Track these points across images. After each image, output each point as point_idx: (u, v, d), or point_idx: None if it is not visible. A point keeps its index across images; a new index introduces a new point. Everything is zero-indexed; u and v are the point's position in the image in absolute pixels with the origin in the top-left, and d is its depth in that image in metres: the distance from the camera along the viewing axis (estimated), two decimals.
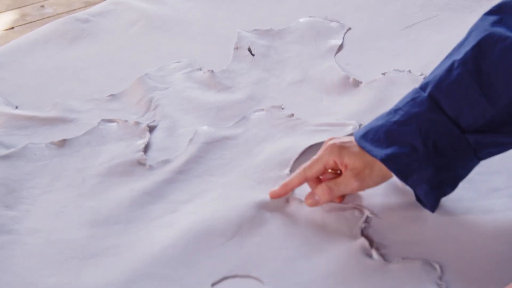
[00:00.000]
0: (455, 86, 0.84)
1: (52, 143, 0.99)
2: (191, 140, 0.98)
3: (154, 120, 1.04)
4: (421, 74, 1.06)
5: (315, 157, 0.86)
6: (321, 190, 0.85)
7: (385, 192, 0.90)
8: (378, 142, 0.85)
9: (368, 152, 0.84)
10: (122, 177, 0.93)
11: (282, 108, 1.05)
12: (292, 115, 1.03)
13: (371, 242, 0.80)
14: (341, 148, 0.85)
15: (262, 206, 0.86)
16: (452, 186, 0.84)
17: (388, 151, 0.83)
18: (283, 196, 0.89)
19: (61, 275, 0.78)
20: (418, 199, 0.84)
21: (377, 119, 0.88)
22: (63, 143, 0.99)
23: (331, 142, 0.86)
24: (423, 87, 0.85)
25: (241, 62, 1.21)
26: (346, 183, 0.86)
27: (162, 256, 0.79)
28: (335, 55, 1.20)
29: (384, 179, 0.85)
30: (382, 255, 0.78)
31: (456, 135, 0.83)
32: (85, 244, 0.82)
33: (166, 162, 0.94)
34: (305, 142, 0.96)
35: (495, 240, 0.81)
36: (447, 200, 0.85)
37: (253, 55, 1.23)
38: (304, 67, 1.17)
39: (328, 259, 0.79)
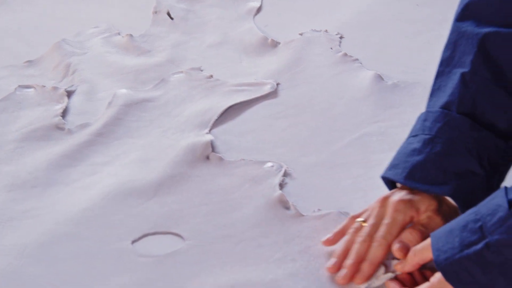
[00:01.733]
0: (480, 96, 0.79)
1: None
2: (110, 103, 0.99)
3: (72, 85, 1.05)
4: (337, 34, 1.08)
5: (386, 221, 0.75)
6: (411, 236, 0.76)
7: (303, 150, 0.92)
8: (431, 178, 0.77)
9: (427, 191, 0.76)
10: (40, 142, 0.92)
11: (201, 70, 1.07)
12: (211, 76, 1.04)
13: (288, 196, 0.82)
14: (409, 201, 0.76)
15: (182, 165, 0.87)
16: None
17: (450, 186, 0.76)
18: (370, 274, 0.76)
19: None
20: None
21: (412, 153, 0.79)
22: None
23: (393, 200, 0.76)
24: (446, 107, 0.79)
25: (160, 26, 1.22)
26: (434, 223, 0.77)
27: (82, 217, 0.79)
28: (254, 17, 1.22)
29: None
30: (298, 208, 0.80)
31: (502, 145, 0.79)
32: (3, 208, 0.82)
33: (85, 125, 0.95)
34: (224, 103, 0.97)
35: None
36: (364, 153, 0.87)
37: (172, 18, 1.24)
38: (223, 29, 1.19)
39: (247, 213, 0.81)
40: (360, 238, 0.74)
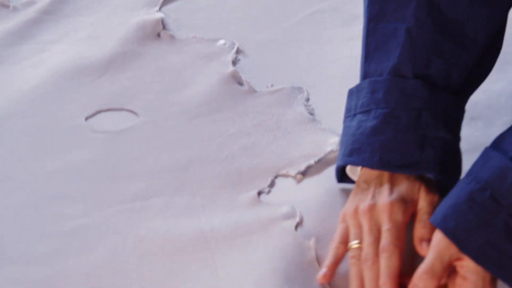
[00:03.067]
0: (431, 53, 0.71)
1: None
2: None
3: None
4: None
5: (386, 227, 0.63)
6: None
7: (256, 27, 0.90)
8: (408, 157, 0.68)
9: (410, 173, 0.67)
10: None
11: None
12: None
13: (242, 72, 0.81)
14: (399, 198, 0.66)
15: (132, 43, 0.85)
16: None
17: (430, 161, 0.68)
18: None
19: None
20: None
21: (373, 133, 0.69)
22: None
23: (381, 206, 0.65)
24: (395, 72, 0.70)
25: None
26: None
27: (32, 94, 0.78)
28: None
29: None
30: (252, 84, 0.80)
31: (459, 103, 0.72)
32: None
33: (31, 3, 0.91)
34: None
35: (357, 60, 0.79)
36: (316, 30, 0.86)
37: None
38: None
39: (200, 90, 0.81)
40: (367, 262, 0.62)
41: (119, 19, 0.90)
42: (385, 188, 0.66)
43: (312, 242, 0.67)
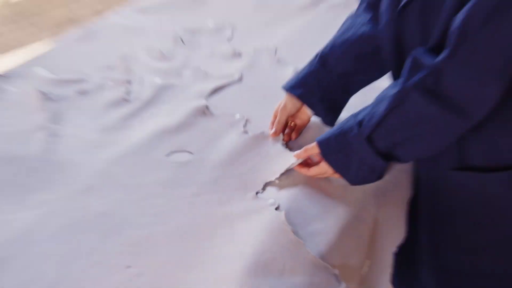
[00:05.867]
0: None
1: None
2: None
3: (130, 76, 1.36)
4: None
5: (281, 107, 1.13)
6: None
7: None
8: (293, 86, 1.14)
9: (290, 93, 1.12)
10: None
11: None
12: (206, 72, 1.40)
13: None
14: (288, 101, 1.14)
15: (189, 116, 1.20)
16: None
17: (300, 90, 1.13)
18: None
19: None
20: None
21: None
22: None
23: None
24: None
25: (178, 47, 1.57)
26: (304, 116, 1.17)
27: (143, 139, 1.14)
28: (228, 41, 1.58)
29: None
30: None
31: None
32: None
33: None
34: None
35: None
36: None
37: (183, 43, 1.60)
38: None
39: (226, 144, 1.11)
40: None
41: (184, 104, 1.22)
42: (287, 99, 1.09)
43: (283, 213, 0.95)
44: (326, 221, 0.98)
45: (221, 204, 0.99)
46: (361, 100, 1.07)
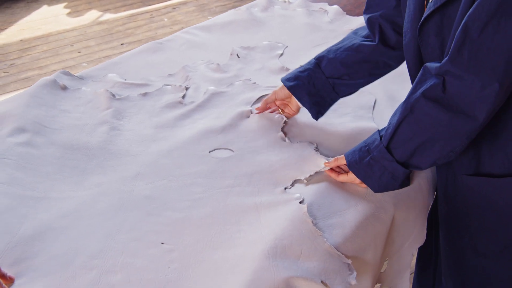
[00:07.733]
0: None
1: None
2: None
3: (188, 84, 1.46)
4: None
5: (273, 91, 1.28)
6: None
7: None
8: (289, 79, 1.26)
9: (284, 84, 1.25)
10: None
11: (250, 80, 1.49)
12: (255, 83, 1.50)
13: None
14: (279, 89, 1.29)
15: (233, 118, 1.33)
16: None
17: (292, 83, 1.22)
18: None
19: None
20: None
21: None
22: None
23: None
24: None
25: (233, 61, 1.68)
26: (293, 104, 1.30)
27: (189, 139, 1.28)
28: (278, 58, 1.69)
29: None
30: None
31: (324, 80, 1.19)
32: None
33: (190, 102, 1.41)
34: None
35: None
36: None
37: (238, 57, 1.68)
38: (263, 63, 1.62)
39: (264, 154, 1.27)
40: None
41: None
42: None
43: (305, 206, 1.02)
44: (344, 217, 1.03)
45: (252, 195, 1.08)
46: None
